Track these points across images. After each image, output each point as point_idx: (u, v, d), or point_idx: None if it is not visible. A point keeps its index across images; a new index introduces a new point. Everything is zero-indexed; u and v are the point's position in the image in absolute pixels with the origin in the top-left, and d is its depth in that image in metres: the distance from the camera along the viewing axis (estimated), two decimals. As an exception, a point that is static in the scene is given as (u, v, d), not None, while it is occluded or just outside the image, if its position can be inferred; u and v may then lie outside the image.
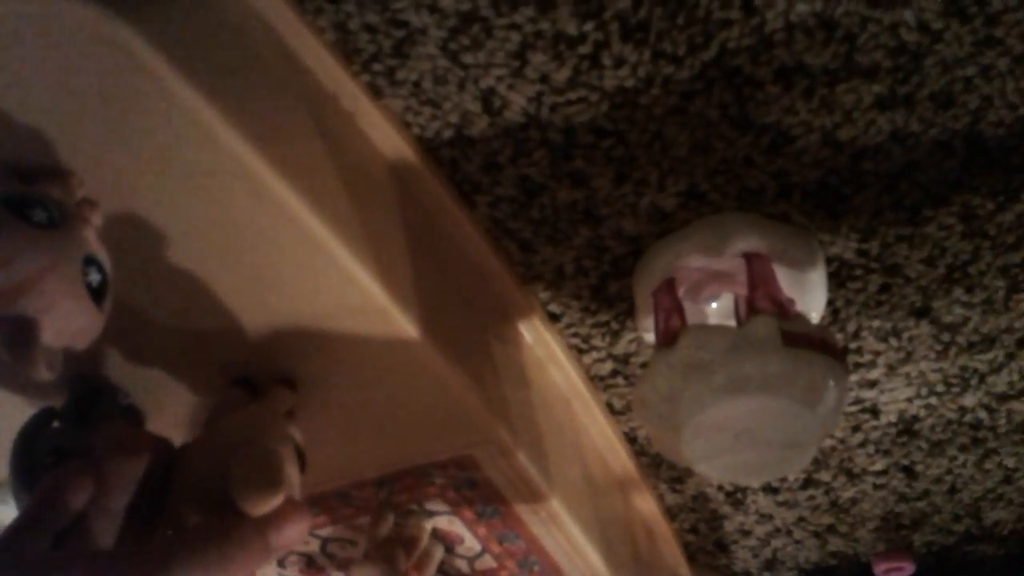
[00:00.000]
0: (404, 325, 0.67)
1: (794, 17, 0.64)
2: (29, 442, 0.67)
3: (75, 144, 0.58)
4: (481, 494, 0.82)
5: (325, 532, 0.89)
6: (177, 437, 0.67)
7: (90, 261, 0.56)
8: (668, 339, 0.73)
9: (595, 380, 0.92)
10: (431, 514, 0.86)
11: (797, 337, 0.68)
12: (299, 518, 0.57)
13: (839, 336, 0.85)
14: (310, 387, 0.72)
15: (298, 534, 0.57)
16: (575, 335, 0.88)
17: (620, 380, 0.92)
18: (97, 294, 0.57)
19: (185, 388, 0.73)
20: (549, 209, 0.77)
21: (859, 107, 0.69)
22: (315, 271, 0.64)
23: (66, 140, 0.58)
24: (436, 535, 0.88)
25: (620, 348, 0.89)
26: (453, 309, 0.75)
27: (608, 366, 0.91)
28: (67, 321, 0.55)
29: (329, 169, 0.66)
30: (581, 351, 0.89)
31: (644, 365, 0.90)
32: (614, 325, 0.86)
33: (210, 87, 0.56)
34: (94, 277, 0.56)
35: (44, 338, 0.54)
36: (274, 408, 0.67)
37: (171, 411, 0.74)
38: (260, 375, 0.71)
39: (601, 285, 0.83)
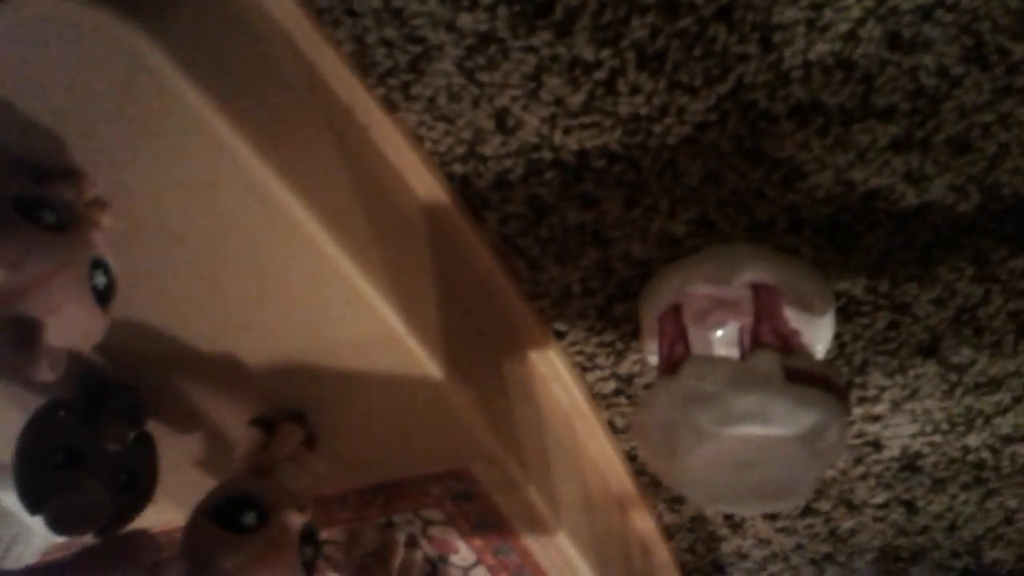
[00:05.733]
0: (426, 363, 0.68)
1: (812, 56, 0.63)
2: (37, 433, 0.67)
3: (87, 145, 0.58)
4: (477, 507, 0.83)
5: (323, 535, 0.90)
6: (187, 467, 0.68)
7: (97, 264, 0.57)
8: (671, 367, 0.72)
9: (598, 398, 0.92)
10: (427, 523, 0.86)
11: (800, 374, 0.68)
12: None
13: (845, 370, 0.85)
14: (317, 402, 0.73)
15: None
16: (579, 353, 0.88)
17: (623, 399, 0.92)
18: (102, 296, 0.57)
19: (198, 412, 0.74)
20: (558, 229, 0.76)
21: (874, 147, 0.68)
22: (324, 284, 0.64)
23: (79, 141, 0.58)
24: (432, 544, 0.89)
25: (624, 368, 0.88)
26: (464, 331, 0.75)
27: (611, 385, 0.90)
28: (72, 323, 0.56)
29: (342, 182, 0.67)
30: (585, 369, 0.89)
31: (648, 386, 0.90)
32: (619, 345, 0.86)
33: (221, 95, 0.56)
34: (100, 280, 0.57)
35: (48, 339, 0.54)
36: (278, 455, 0.69)
37: (184, 440, 0.76)
38: (273, 403, 0.72)
39: (607, 306, 0.83)
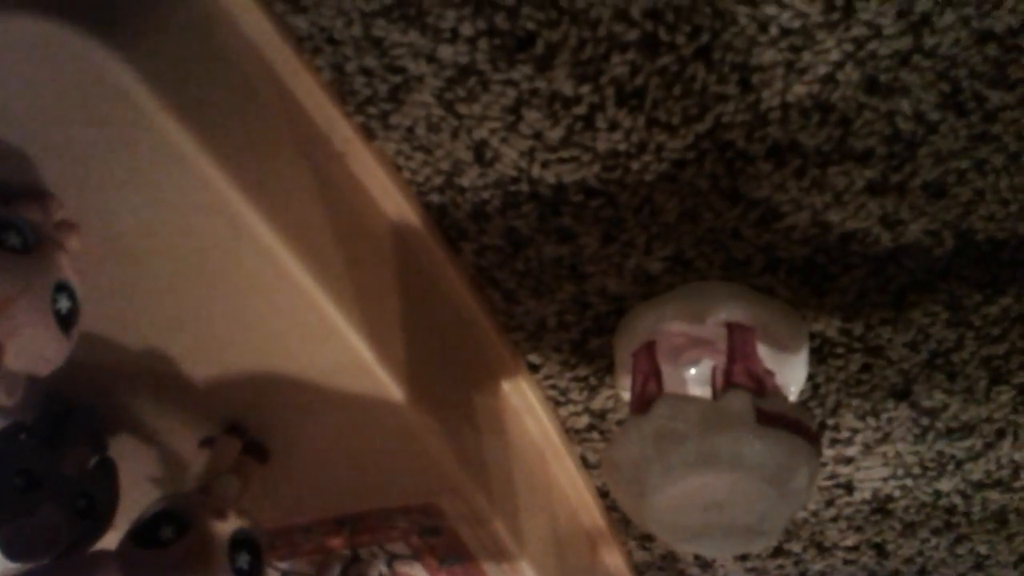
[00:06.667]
0: (390, 388, 0.67)
1: (791, 97, 0.63)
2: (-3, 455, 0.66)
3: (57, 167, 0.58)
4: (444, 542, 0.82)
5: (284, 565, 0.88)
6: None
7: (61, 288, 0.56)
8: (643, 405, 0.72)
9: (570, 433, 0.91)
10: (393, 557, 0.85)
11: (772, 416, 0.67)
12: None
13: (818, 411, 0.85)
14: (282, 428, 0.72)
15: None
16: (553, 387, 0.87)
17: (596, 435, 0.91)
18: (65, 321, 0.56)
19: (157, 432, 0.73)
20: (535, 262, 0.76)
21: (850, 190, 0.68)
22: (292, 309, 0.64)
23: (48, 163, 0.57)
24: (396, 578, 0.87)
25: (598, 403, 0.88)
26: (434, 360, 0.75)
27: (584, 420, 0.90)
28: (32, 347, 0.54)
29: (316, 208, 0.66)
30: (558, 403, 0.88)
31: (620, 422, 0.89)
32: (593, 380, 0.86)
33: (194, 118, 0.56)
34: (63, 304, 0.56)
35: (7, 363, 0.53)
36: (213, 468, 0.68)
37: (144, 464, 0.74)
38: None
39: (582, 340, 0.82)
